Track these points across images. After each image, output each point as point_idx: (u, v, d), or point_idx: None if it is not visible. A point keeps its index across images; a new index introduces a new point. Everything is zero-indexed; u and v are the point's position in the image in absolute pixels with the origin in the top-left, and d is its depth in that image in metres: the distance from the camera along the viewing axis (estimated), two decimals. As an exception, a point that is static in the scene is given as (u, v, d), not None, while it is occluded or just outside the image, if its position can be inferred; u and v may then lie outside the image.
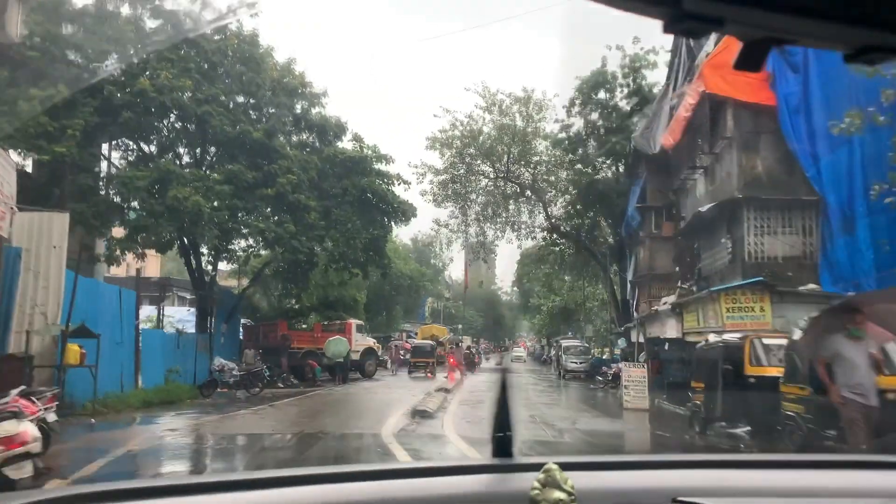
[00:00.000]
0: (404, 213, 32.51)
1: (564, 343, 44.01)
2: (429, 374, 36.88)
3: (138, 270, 24.15)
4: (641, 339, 30.14)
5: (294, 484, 1.59)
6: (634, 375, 23.01)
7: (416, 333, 69.47)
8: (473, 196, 44.64)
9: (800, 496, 1.61)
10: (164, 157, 27.75)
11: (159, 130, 27.89)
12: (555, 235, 45.81)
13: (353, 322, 37.13)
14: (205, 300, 30.36)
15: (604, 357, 44.03)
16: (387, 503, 1.46)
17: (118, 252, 26.57)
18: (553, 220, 44.64)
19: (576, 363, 41.07)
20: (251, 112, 29.45)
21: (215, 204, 26.25)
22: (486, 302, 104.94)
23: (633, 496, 1.49)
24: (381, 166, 31.88)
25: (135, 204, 27.38)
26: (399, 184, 32.44)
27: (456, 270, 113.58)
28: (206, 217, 25.54)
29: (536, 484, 1.26)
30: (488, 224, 45.17)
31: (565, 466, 1.35)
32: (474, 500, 1.49)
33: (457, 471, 1.69)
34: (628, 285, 39.65)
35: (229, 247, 32.25)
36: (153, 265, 60.02)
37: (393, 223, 32.80)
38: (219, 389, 25.61)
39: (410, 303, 75.67)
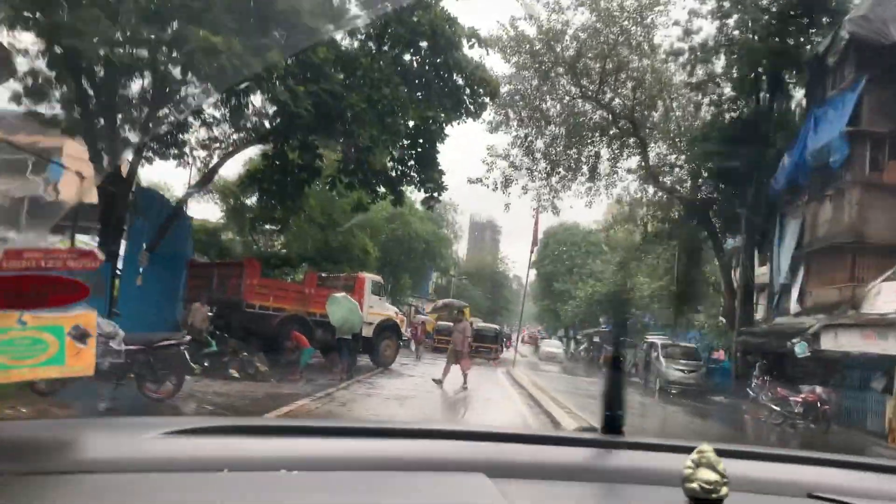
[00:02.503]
0: (479, 90, 17.82)
1: (659, 342, 29.40)
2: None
3: None
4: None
5: (407, 437, 1.58)
6: None
7: (425, 309, 54.95)
8: (544, 121, 29.95)
9: None
10: None
11: None
12: (650, 188, 31.30)
13: (368, 277, 22.47)
14: (112, 202, 15.69)
15: (720, 363, 29.66)
16: (502, 465, 1.36)
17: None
18: (651, 166, 30.13)
19: (682, 372, 26.55)
20: None
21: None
22: (493, 283, 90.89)
23: (769, 486, 1.41)
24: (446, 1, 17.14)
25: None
26: (471, 44, 17.66)
27: (461, 247, 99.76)
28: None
29: (689, 463, 1.19)
30: (561, 161, 30.47)
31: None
32: (589, 471, 1.43)
33: (569, 442, 1.64)
34: (779, 262, 25.25)
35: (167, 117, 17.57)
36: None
37: (461, 107, 17.94)
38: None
39: (418, 274, 61.11)
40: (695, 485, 1.18)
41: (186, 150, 20.64)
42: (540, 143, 29.84)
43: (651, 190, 32.46)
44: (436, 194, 18.92)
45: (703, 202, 29.86)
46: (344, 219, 28.74)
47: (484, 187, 33.21)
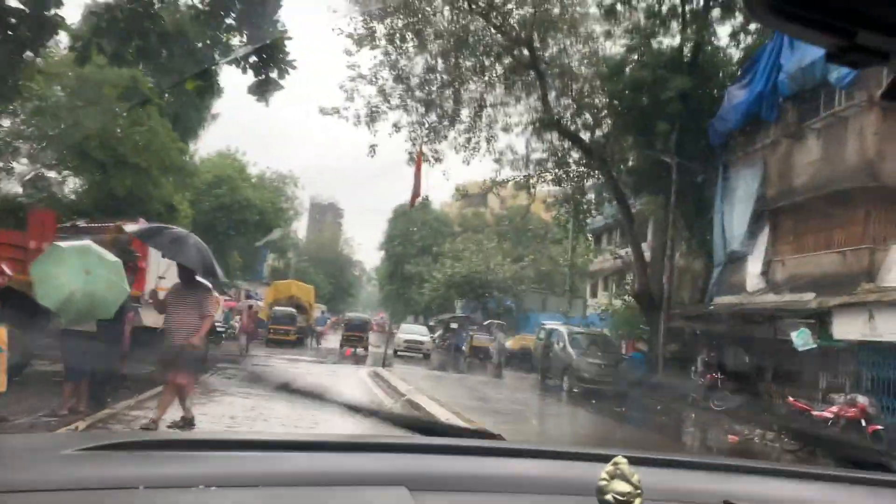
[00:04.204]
0: None
1: (564, 329, 22.20)
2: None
3: None
4: None
5: (329, 450, 1.50)
6: None
7: (258, 294, 45.18)
8: (420, 39, 22.04)
9: None
10: None
11: None
12: (552, 134, 24.30)
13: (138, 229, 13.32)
14: None
15: (635, 354, 23.07)
16: (424, 477, 1.30)
17: None
18: (552, 111, 23.13)
19: (598, 367, 19.60)
20: None
21: None
22: (336, 266, 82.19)
23: (685, 495, 1.38)
24: None
25: None
26: None
27: (300, 229, 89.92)
28: None
29: (604, 475, 1.18)
30: (438, 100, 22.72)
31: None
32: (512, 482, 1.37)
33: (493, 452, 1.56)
34: (728, 224, 18.97)
35: None
36: None
37: None
38: None
39: (250, 253, 51.26)
40: (609, 496, 1.16)
41: None
42: (418, 68, 21.93)
43: (539, 144, 25.64)
44: (273, 74, 10.41)
45: (613, 154, 23.34)
46: (137, 157, 19.41)
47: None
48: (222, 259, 42.49)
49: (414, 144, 22.21)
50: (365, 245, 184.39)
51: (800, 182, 16.24)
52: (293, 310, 31.43)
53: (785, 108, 16.90)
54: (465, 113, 23.73)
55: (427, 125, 22.22)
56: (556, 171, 25.48)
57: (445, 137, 23.79)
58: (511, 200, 63.31)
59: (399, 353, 29.87)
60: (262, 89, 10.55)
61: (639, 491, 1.15)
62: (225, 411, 10.19)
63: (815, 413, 12.13)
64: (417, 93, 21.92)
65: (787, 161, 16.80)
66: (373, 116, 21.16)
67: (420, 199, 20.98)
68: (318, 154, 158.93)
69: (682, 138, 20.53)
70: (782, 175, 16.89)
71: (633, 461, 1.21)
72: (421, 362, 27.79)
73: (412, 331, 34.88)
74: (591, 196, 28.08)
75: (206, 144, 62.44)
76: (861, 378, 13.68)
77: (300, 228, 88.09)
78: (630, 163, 23.34)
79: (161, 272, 12.71)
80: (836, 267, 14.71)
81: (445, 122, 23.41)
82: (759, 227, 17.67)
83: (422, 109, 22.01)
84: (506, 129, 24.47)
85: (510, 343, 32.52)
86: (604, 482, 1.17)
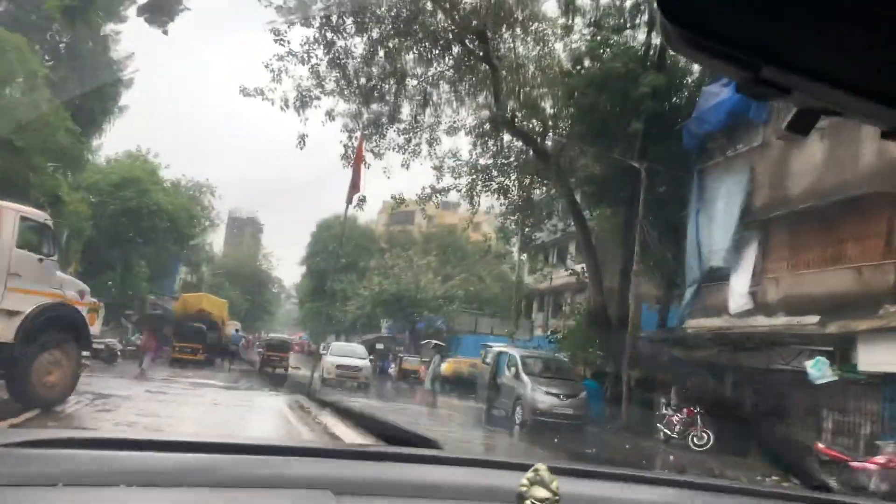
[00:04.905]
0: None
1: (516, 352, 19.21)
2: None
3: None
4: None
5: (255, 453, 1.40)
6: None
7: (170, 307, 40.65)
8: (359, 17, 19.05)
9: None
10: None
11: None
12: (502, 138, 21.68)
13: (7, 208, 9.82)
14: None
15: (588, 382, 20.30)
16: (350, 482, 1.27)
17: None
18: (505, 108, 20.53)
19: (557, 397, 16.83)
20: None
21: None
22: (254, 282, 77.42)
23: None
24: None
25: None
26: None
27: (217, 241, 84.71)
28: None
29: (525, 481, 1.18)
30: (384, 87, 19.75)
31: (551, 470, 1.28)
32: (434, 488, 1.35)
33: (417, 459, 1.55)
34: (707, 238, 16.65)
35: None
36: None
37: None
38: None
39: (160, 264, 46.39)
40: (528, 502, 1.16)
41: None
42: (357, 51, 18.90)
43: (484, 149, 22.95)
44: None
45: (570, 160, 20.92)
46: (12, 133, 15.63)
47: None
48: (127, 269, 38.13)
49: (350, 138, 19.13)
50: (285, 262, 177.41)
51: (799, 189, 14.05)
52: (203, 325, 27.63)
53: (779, 107, 14.75)
54: (406, 109, 20.92)
55: (365, 118, 19.21)
56: (503, 179, 22.85)
57: (383, 136, 20.86)
58: (440, 219, 61.05)
59: (328, 379, 23.85)
60: (157, 7, 7.35)
61: (556, 497, 1.14)
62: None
63: (854, 464, 9.66)
64: (355, 81, 18.90)
65: (783, 165, 14.62)
66: (303, 101, 17.99)
67: (359, 195, 17.87)
68: (240, 168, 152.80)
69: (648, 143, 18.28)
70: (776, 181, 14.70)
71: (554, 471, 1.18)
72: (349, 389, 23.83)
73: (345, 352, 27.56)
74: (538, 209, 25.58)
75: (114, 145, 57.13)
76: (884, 418, 11.38)
77: (216, 241, 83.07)
78: (588, 170, 20.90)
79: (12, 266, 9.32)
80: (848, 285, 12.47)
81: (385, 119, 20.50)
82: (746, 240, 15.40)
83: (359, 99, 18.97)
84: (451, 131, 21.68)
85: (444, 367, 29.63)
86: (524, 488, 1.16)
